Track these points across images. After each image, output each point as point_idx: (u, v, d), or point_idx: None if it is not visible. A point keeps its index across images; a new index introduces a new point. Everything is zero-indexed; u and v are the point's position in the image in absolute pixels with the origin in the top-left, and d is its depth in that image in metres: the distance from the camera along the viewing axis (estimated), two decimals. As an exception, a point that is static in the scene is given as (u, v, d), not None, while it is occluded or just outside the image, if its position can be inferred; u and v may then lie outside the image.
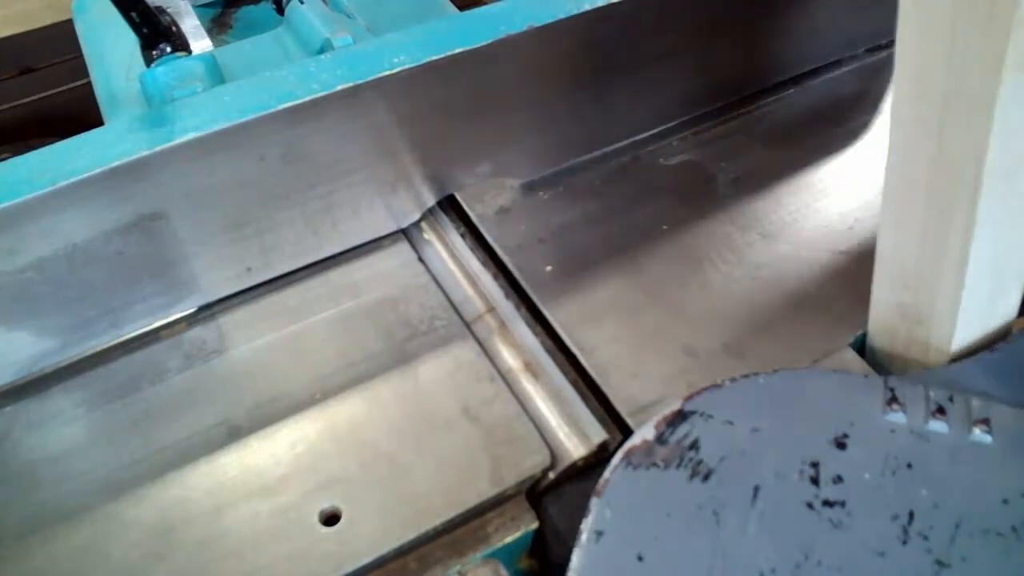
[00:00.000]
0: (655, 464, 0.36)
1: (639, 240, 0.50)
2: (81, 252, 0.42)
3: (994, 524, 0.33)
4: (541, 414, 0.44)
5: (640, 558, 0.33)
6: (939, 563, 0.32)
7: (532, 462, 0.41)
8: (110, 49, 0.59)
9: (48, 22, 0.91)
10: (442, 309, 0.48)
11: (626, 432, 0.42)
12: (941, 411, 0.36)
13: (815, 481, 0.35)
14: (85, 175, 0.39)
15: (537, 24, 0.46)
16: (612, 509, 0.34)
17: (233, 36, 0.67)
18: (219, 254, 0.47)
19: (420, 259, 0.51)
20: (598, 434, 0.42)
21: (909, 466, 0.35)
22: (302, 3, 0.56)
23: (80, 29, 0.62)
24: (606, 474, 0.36)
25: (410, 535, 0.39)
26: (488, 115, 0.49)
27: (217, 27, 0.67)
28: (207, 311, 0.49)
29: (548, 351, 0.46)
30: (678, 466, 0.35)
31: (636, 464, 0.36)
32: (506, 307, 0.48)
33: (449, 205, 0.53)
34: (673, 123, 0.52)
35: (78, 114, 0.65)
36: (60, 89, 0.90)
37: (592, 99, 0.52)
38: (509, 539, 0.40)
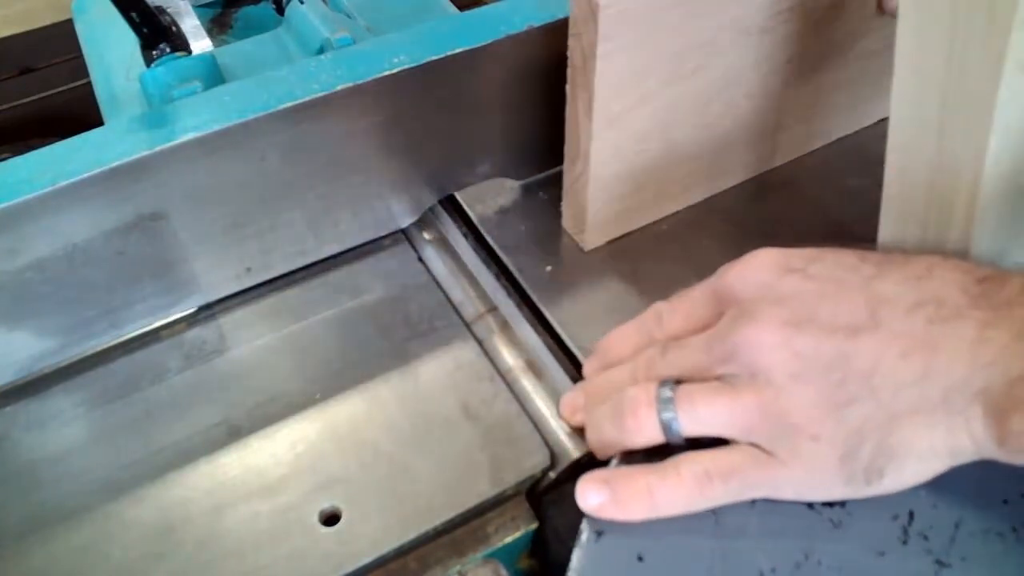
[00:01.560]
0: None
1: (639, 240, 0.50)
2: (81, 252, 0.42)
3: (994, 524, 0.33)
4: (541, 414, 0.44)
5: (640, 558, 0.33)
6: (939, 563, 0.32)
7: (532, 462, 0.41)
8: (110, 49, 0.59)
9: (48, 22, 0.91)
10: (442, 309, 0.48)
11: (626, 432, 0.42)
12: (941, 411, 0.36)
13: (815, 481, 0.35)
14: (85, 175, 0.39)
15: (537, 24, 0.46)
16: (612, 509, 0.34)
17: (233, 36, 0.67)
18: (219, 254, 0.47)
19: (420, 259, 0.51)
20: (598, 434, 0.41)
21: (909, 466, 0.35)
22: (302, 3, 0.56)
23: (80, 29, 0.62)
24: (606, 474, 0.36)
25: (410, 535, 0.39)
26: (489, 115, 0.49)
27: (217, 27, 0.67)
28: (207, 311, 0.49)
29: (548, 351, 0.46)
30: (678, 466, 0.35)
31: (636, 464, 0.36)
32: (506, 307, 0.48)
33: (449, 205, 0.53)
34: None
35: (78, 114, 0.65)
36: (60, 89, 0.90)
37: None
38: (509, 539, 0.40)
